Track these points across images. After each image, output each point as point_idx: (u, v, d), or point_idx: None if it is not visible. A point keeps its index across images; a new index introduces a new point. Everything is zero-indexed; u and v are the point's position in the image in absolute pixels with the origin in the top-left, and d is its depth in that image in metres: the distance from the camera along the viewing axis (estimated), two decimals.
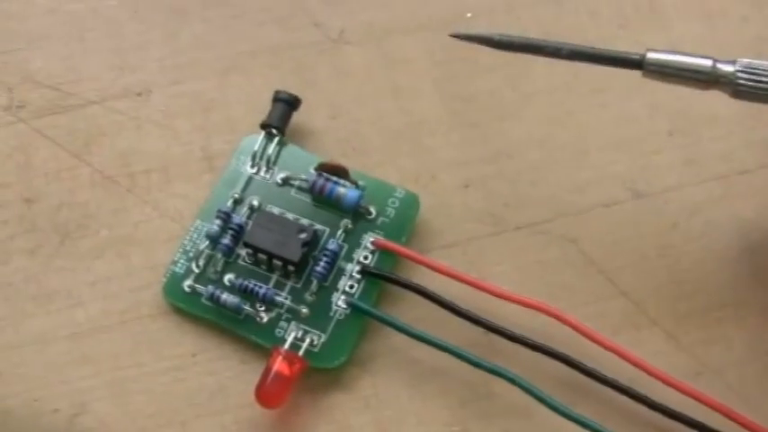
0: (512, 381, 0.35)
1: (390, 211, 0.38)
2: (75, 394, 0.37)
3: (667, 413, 0.35)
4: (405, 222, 0.38)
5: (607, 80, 0.41)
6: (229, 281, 0.37)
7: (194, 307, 0.37)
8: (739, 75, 0.33)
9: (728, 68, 0.33)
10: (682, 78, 0.34)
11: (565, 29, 0.42)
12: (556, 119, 0.41)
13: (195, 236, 0.38)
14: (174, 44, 0.42)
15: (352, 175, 0.38)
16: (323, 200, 0.38)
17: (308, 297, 0.37)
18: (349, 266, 0.38)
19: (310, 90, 0.41)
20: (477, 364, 0.35)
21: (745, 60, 0.33)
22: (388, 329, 0.36)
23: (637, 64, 0.34)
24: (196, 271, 0.38)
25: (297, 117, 0.40)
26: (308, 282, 0.37)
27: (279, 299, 0.37)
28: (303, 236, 0.37)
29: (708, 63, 0.34)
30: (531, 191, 0.40)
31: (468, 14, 0.43)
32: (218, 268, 0.38)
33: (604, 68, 0.39)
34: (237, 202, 0.39)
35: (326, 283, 0.37)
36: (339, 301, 0.37)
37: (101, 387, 0.37)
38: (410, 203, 0.38)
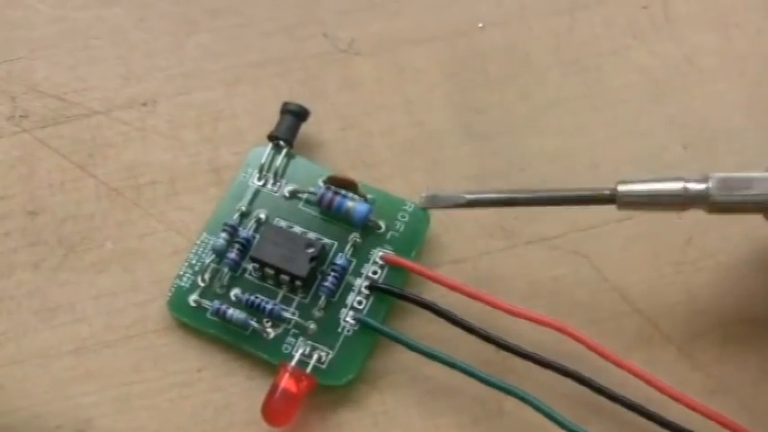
0: (523, 399, 0.34)
1: (400, 226, 0.38)
2: (79, 410, 0.36)
3: (678, 431, 0.34)
4: (414, 237, 0.38)
5: (621, 92, 0.41)
6: (236, 296, 0.37)
7: (200, 322, 0.37)
8: (712, 192, 0.33)
9: (701, 187, 0.34)
10: (657, 206, 0.34)
11: (577, 40, 0.42)
12: (568, 131, 0.40)
13: (201, 249, 0.38)
14: (181, 53, 0.42)
15: (362, 188, 0.38)
16: (331, 213, 0.38)
17: (316, 313, 0.37)
18: (357, 282, 0.37)
19: (319, 101, 0.41)
20: (487, 382, 0.35)
21: (718, 176, 0.34)
22: (398, 346, 0.36)
23: (609, 200, 0.34)
24: (202, 285, 0.37)
25: (305, 128, 0.40)
26: (316, 297, 0.37)
27: (286, 314, 0.37)
28: (311, 250, 0.36)
29: (679, 186, 0.34)
30: None
31: (480, 24, 0.42)
32: (225, 283, 0.37)
33: (619, 79, 0.40)
34: (244, 216, 0.38)
35: (334, 299, 0.37)
36: (347, 317, 0.37)
37: (105, 403, 0.36)
38: (420, 217, 0.38)
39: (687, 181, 0.34)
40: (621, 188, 0.34)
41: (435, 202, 0.36)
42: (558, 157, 0.40)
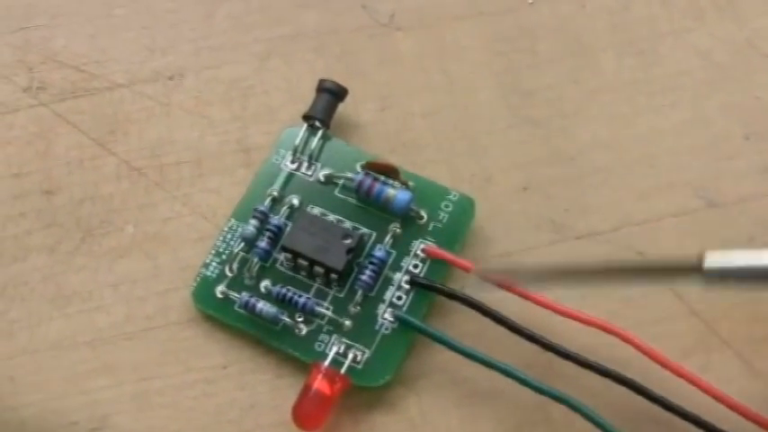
0: (572, 406, 0.33)
1: (443, 216, 0.37)
2: (95, 406, 0.36)
3: None
4: (458, 229, 0.37)
5: (679, 77, 0.40)
6: (266, 288, 0.36)
7: (226, 315, 0.36)
8: None
9: None
10: (750, 284, 0.30)
11: (634, 20, 0.41)
12: (623, 118, 0.39)
13: (229, 236, 0.37)
14: (210, 24, 0.41)
15: (402, 174, 0.37)
16: (370, 201, 0.37)
17: (352, 309, 0.36)
18: (397, 276, 0.36)
19: (357, 79, 0.40)
20: (533, 387, 0.34)
21: None
22: (436, 346, 0.35)
23: (694, 271, 0.30)
24: (229, 275, 0.36)
25: (342, 108, 0.39)
26: (352, 292, 0.36)
27: (320, 309, 0.36)
28: (348, 241, 0.36)
29: None
30: (595, 197, 0.38)
31: (530, 0, 0.42)
32: (254, 273, 0.36)
33: (677, 63, 0.40)
34: (276, 201, 0.37)
35: (372, 294, 0.36)
36: (385, 314, 0.36)
37: (123, 399, 0.36)
38: (465, 208, 0.37)
39: None
40: (709, 263, 0.30)
41: (492, 279, 0.35)
42: (610, 146, 0.39)
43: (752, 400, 0.33)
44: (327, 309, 0.36)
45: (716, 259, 0.30)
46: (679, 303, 0.36)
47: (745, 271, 0.30)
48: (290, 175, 0.38)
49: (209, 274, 0.36)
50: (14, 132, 0.40)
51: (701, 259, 0.30)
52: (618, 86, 0.40)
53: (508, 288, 0.34)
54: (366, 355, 0.35)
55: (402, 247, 0.36)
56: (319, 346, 0.35)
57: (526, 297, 0.34)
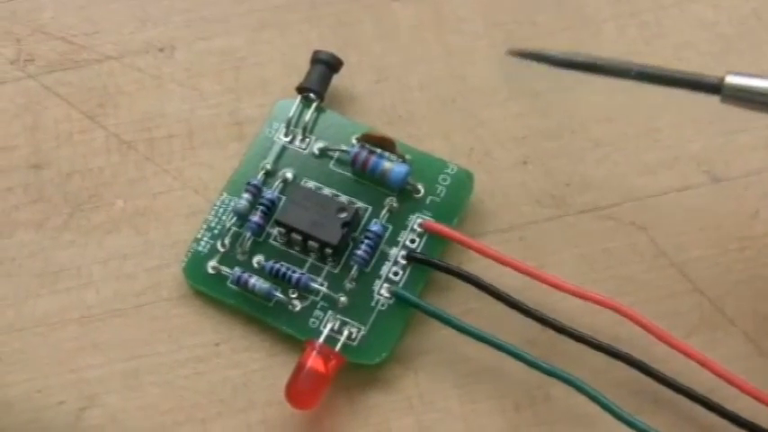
0: (573, 384, 0.33)
1: (441, 190, 0.36)
2: (84, 385, 0.35)
3: (744, 425, 0.33)
4: (456, 203, 0.36)
5: (683, 49, 0.39)
6: (258, 263, 0.36)
7: (218, 291, 0.36)
8: None
9: None
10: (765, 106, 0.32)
11: None
12: (625, 90, 0.37)
13: (221, 211, 0.37)
14: None
15: (399, 147, 0.37)
16: (366, 175, 0.36)
17: (347, 284, 0.35)
18: (393, 251, 0.36)
19: (353, 50, 0.40)
20: (533, 365, 0.33)
21: None
22: (436, 323, 0.35)
23: (714, 89, 0.32)
24: (221, 251, 0.36)
25: (337, 80, 0.39)
26: (347, 267, 0.36)
27: (314, 285, 0.35)
28: (343, 215, 0.35)
29: None
30: (597, 171, 0.38)
31: None
32: (247, 248, 0.36)
33: (680, 35, 0.40)
34: (269, 175, 0.37)
35: (368, 270, 0.36)
36: (381, 290, 0.35)
37: (112, 378, 0.35)
38: (463, 182, 0.37)
39: None
40: (730, 79, 0.32)
41: (525, 52, 0.34)
42: (612, 119, 0.39)
43: (757, 378, 0.33)
44: (322, 284, 0.35)
45: (735, 80, 0.32)
46: (684, 281, 0.36)
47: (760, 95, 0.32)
48: (284, 148, 0.37)
49: (200, 249, 0.36)
50: (1, 105, 0.39)
51: (721, 78, 0.32)
52: (620, 56, 0.37)
53: (542, 59, 0.34)
54: (362, 333, 0.35)
55: (399, 221, 0.36)
56: (313, 323, 0.35)
57: (527, 273, 0.34)
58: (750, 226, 0.37)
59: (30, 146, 0.39)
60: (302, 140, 0.37)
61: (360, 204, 0.36)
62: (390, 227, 0.36)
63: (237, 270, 0.35)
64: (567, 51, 0.34)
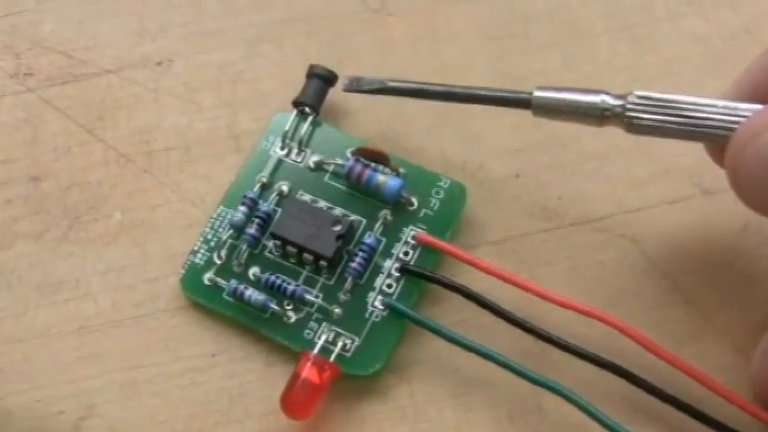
0: (564, 395, 0.33)
1: (434, 203, 0.36)
2: (82, 395, 0.35)
3: None
4: (450, 215, 0.36)
5: (675, 63, 0.40)
6: (254, 275, 0.36)
7: (215, 302, 0.36)
8: (630, 109, 0.33)
9: (619, 102, 0.33)
10: (573, 117, 0.34)
11: (629, 5, 0.40)
12: None
13: (218, 223, 0.37)
14: (200, 9, 0.41)
15: (393, 161, 0.37)
16: (360, 188, 0.36)
17: (342, 296, 0.35)
18: (387, 263, 0.36)
19: (348, 64, 0.39)
20: (525, 376, 0.33)
21: (639, 93, 0.33)
22: (429, 334, 0.35)
23: (525, 103, 0.34)
24: (218, 263, 0.36)
25: (333, 94, 0.39)
26: (342, 279, 0.35)
27: (309, 297, 0.35)
28: (337, 228, 0.35)
29: (597, 99, 0.33)
30: (589, 184, 0.38)
31: None
32: (243, 260, 0.36)
33: (673, 49, 0.40)
34: (265, 188, 0.37)
35: (362, 282, 0.36)
36: (375, 302, 0.35)
37: (110, 388, 0.35)
38: (456, 194, 0.37)
39: (608, 95, 0.33)
40: (538, 93, 0.34)
41: (357, 85, 0.37)
42: (605, 133, 0.37)
43: (748, 390, 0.34)
44: (317, 296, 0.35)
45: (542, 94, 0.34)
46: (674, 292, 0.36)
47: (564, 105, 0.33)
48: (280, 162, 0.37)
49: (197, 261, 0.36)
50: (1, 118, 0.39)
51: (530, 93, 0.34)
52: (612, 72, 0.40)
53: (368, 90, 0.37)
54: (356, 343, 0.35)
55: (392, 234, 0.36)
56: (308, 333, 0.35)
57: (517, 284, 0.34)
58: (740, 238, 0.37)
59: (29, 158, 0.38)
60: (298, 154, 0.37)
61: (354, 217, 0.36)
62: (384, 239, 0.36)
63: (234, 282, 0.35)
64: (396, 79, 0.36)
